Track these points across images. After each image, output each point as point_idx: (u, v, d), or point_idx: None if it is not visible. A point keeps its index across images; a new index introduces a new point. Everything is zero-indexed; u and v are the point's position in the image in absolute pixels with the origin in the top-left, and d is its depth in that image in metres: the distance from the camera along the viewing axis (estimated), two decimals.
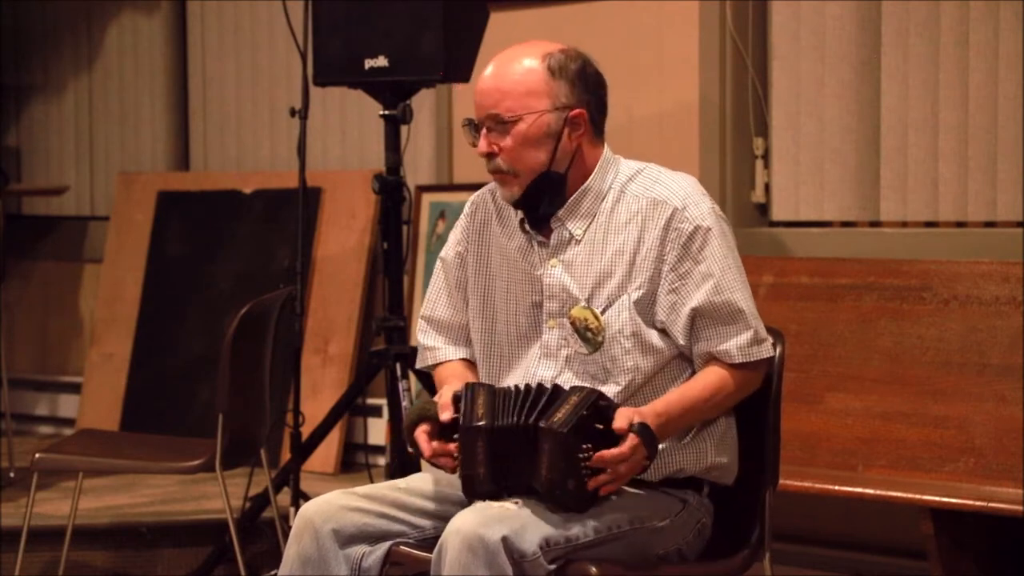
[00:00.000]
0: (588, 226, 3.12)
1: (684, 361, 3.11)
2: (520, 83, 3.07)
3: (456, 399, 3.00)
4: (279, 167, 6.34)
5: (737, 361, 3.05)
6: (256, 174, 6.37)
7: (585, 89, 3.11)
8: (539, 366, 3.13)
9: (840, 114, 4.97)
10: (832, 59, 4.97)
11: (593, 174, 3.13)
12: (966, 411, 4.32)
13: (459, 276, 3.27)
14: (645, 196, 3.10)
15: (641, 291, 3.06)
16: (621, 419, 2.90)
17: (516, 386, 2.99)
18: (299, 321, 4.62)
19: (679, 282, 3.06)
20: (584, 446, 2.88)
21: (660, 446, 3.01)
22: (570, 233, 3.12)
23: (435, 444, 3.02)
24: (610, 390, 3.06)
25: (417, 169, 5.87)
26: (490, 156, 3.09)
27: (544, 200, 3.11)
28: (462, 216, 3.30)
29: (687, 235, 3.05)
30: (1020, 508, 3.92)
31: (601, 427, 2.89)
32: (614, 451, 2.88)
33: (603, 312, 3.07)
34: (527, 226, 3.16)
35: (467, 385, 3.01)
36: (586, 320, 3.08)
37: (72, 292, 6.91)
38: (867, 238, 4.91)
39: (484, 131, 3.09)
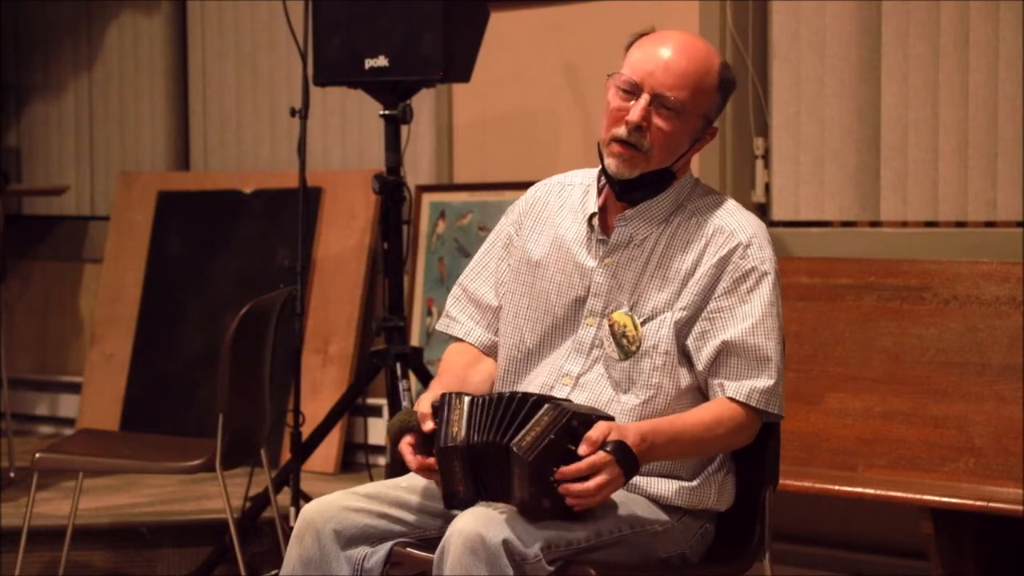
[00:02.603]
0: (651, 234, 3.09)
1: (704, 397, 3.07)
2: (700, 81, 3.03)
3: (436, 409, 2.97)
4: (279, 167, 6.34)
5: (745, 401, 3.00)
6: (256, 174, 6.37)
7: (722, 109, 3.11)
8: (567, 360, 3.10)
9: (840, 114, 4.97)
10: (832, 59, 4.97)
11: (674, 186, 3.10)
12: (966, 411, 4.32)
13: (503, 258, 3.23)
14: (713, 223, 3.06)
15: (684, 313, 3.03)
16: (587, 443, 2.83)
17: (495, 396, 2.94)
18: (299, 321, 4.62)
19: (718, 314, 3.02)
20: (554, 468, 2.84)
21: (668, 485, 3.03)
22: (631, 237, 3.09)
23: (420, 458, 2.98)
24: (629, 401, 3.04)
25: (417, 169, 5.87)
26: (639, 129, 3.02)
27: (644, 190, 3.06)
28: (520, 200, 3.26)
29: (743, 272, 3.02)
30: (1020, 508, 3.92)
31: (573, 448, 2.85)
32: (571, 467, 2.83)
33: (644, 323, 3.05)
34: (595, 220, 3.11)
35: (444, 396, 2.96)
36: (625, 327, 3.05)
37: (72, 292, 6.91)
38: (867, 238, 4.91)
39: (645, 101, 3.02)
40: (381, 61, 4.69)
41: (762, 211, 5.15)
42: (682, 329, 3.03)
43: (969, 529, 4.05)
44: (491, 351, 3.24)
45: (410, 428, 3.01)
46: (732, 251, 3.03)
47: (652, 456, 2.94)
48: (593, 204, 3.13)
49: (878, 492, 4.15)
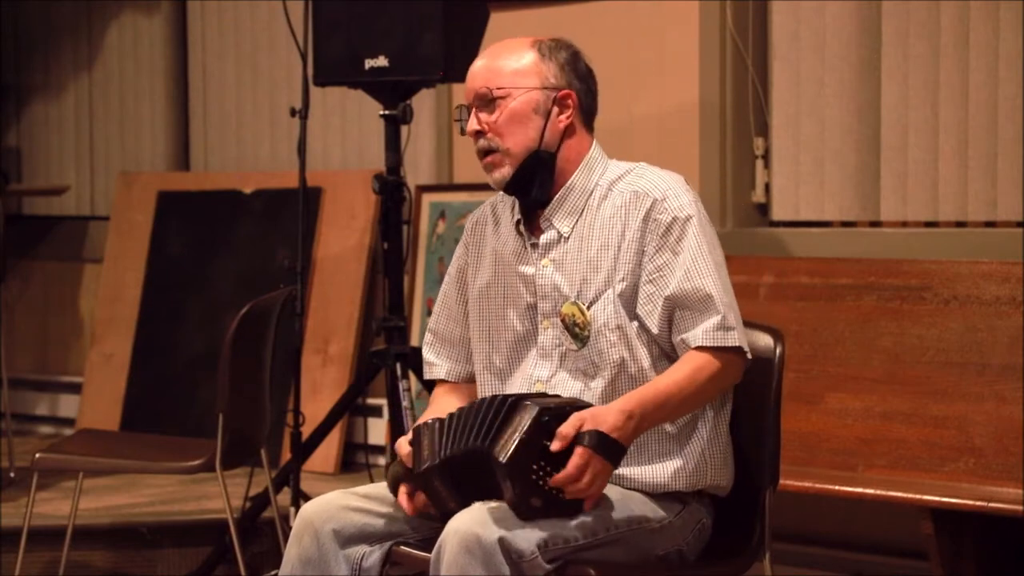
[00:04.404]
0: (575, 223, 3.13)
1: (669, 358, 3.09)
2: (509, 63, 3.12)
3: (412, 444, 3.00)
4: (279, 167, 6.34)
5: (702, 344, 3.02)
6: (256, 174, 6.37)
7: (575, 75, 3.15)
8: (536, 367, 3.13)
9: (840, 114, 4.97)
10: (832, 59, 4.97)
11: (578, 170, 3.14)
12: (966, 411, 4.32)
13: (460, 290, 3.28)
14: (629, 191, 3.11)
15: (624, 283, 3.07)
16: (559, 440, 2.85)
17: (473, 403, 2.97)
18: (299, 321, 4.62)
19: (657, 273, 3.05)
20: (535, 466, 2.85)
21: (664, 465, 3.05)
22: (558, 232, 3.13)
23: (412, 502, 3.02)
24: (598, 384, 3.06)
25: (417, 169, 5.88)
26: (479, 135, 3.11)
27: (536, 182, 3.11)
28: (465, 230, 3.32)
29: (665, 226, 3.05)
30: (1020, 508, 3.92)
31: (549, 443, 2.86)
32: (561, 475, 2.85)
33: (589, 307, 3.08)
34: (521, 227, 3.16)
35: (414, 429, 3.00)
36: (574, 316, 3.09)
37: (72, 292, 6.91)
38: (867, 238, 4.91)
39: (473, 111, 3.13)
40: (381, 61, 4.69)
41: (762, 211, 5.16)
42: (629, 300, 3.07)
43: (969, 529, 4.05)
44: (473, 381, 3.28)
45: (400, 477, 3.04)
46: (650, 209, 3.07)
47: (644, 427, 2.96)
48: (518, 212, 3.18)
49: (878, 492, 4.15)
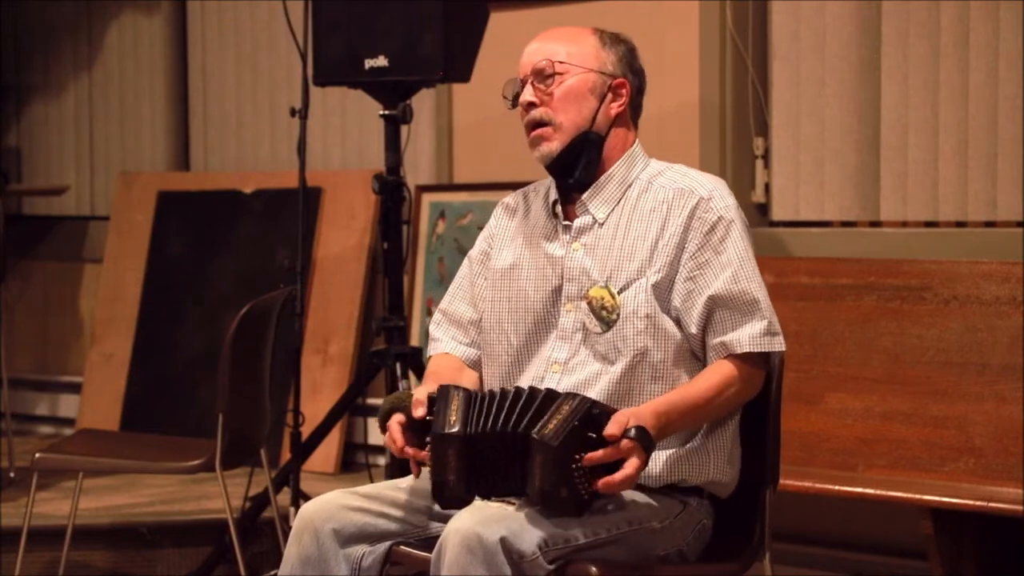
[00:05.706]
0: (612, 211, 3.14)
1: (694, 356, 3.10)
2: (570, 43, 3.18)
3: (431, 400, 2.98)
4: (279, 167, 6.34)
5: (747, 350, 3.03)
6: (256, 174, 6.37)
7: (631, 69, 3.20)
8: (554, 350, 3.13)
9: (840, 114, 4.97)
10: (832, 59, 4.97)
11: (621, 160, 3.17)
12: (966, 411, 4.32)
13: (481, 273, 3.28)
14: (672, 187, 3.13)
15: (660, 275, 3.07)
16: (614, 425, 2.87)
17: (496, 391, 2.97)
18: (299, 321, 4.62)
19: (698, 271, 3.06)
20: (576, 456, 2.86)
21: (665, 453, 3.04)
22: (593, 217, 3.14)
23: (406, 443, 2.99)
24: (617, 369, 3.06)
25: (417, 169, 5.88)
26: (532, 106, 3.13)
27: (581, 163, 3.13)
28: (492, 216, 3.34)
29: (710, 225, 3.07)
30: (1020, 508, 3.92)
31: (594, 435, 2.88)
32: (600, 453, 2.85)
33: (620, 292, 3.08)
34: (557, 208, 3.17)
35: (441, 387, 2.98)
36: (602, 299, 3.09)
37: (72, 292, 6.91)
38: (867, 238, 4.91)
39: (530, 83, 3.14)
40: (381, 61, 4.69)
41: (762, 211, 5.16)
42: (663, 293, 3.07)
43: (969, 529, 4.05)
44: (474, 365, 3.28)
45: (402, 408, 3.02)
46: (695, 207, 3.08)
47: (667, 432, 2.98)
48: (555, 194, 3.21)
49: (878, 492, 4.15)
